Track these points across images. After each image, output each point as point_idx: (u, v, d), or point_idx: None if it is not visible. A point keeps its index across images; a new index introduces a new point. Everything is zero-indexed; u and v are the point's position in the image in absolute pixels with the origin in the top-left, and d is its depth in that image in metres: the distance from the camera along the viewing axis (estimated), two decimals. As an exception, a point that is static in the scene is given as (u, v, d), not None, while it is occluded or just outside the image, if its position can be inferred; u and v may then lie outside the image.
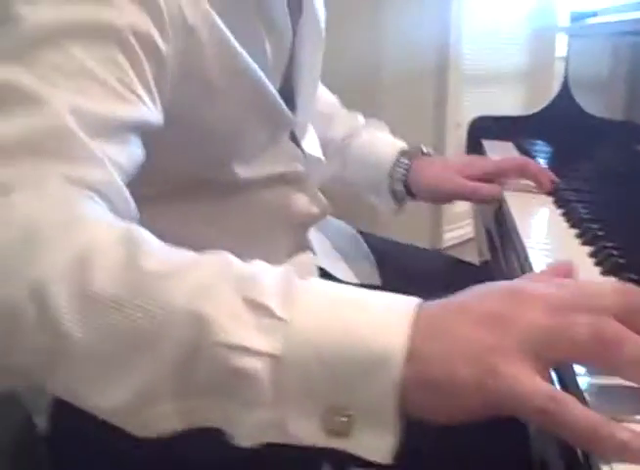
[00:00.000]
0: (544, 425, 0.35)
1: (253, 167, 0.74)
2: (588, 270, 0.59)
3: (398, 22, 1.78)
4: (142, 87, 0.54)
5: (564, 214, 0.77)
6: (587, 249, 0.64)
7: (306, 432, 0.38)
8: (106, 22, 0.52)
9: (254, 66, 0.68)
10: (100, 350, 0.40)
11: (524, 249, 0.66)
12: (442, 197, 0.94)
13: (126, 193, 0.51)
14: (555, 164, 1.19)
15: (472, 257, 1.12)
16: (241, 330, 0.38)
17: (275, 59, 0.73)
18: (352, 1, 1.55)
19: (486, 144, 1.32)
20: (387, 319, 0.38)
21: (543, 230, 0.76)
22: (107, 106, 0.51)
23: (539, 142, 1.30)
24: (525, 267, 0.64)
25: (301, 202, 0.83)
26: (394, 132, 1.77)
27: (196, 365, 0.39)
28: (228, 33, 0.64)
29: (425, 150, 0.95)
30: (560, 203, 0.81)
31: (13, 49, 0.50)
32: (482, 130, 1.38)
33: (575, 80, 1.36)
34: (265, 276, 0.40)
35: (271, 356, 0.38)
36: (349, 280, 0.90)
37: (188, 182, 0.69)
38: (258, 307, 0.39)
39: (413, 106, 1.88)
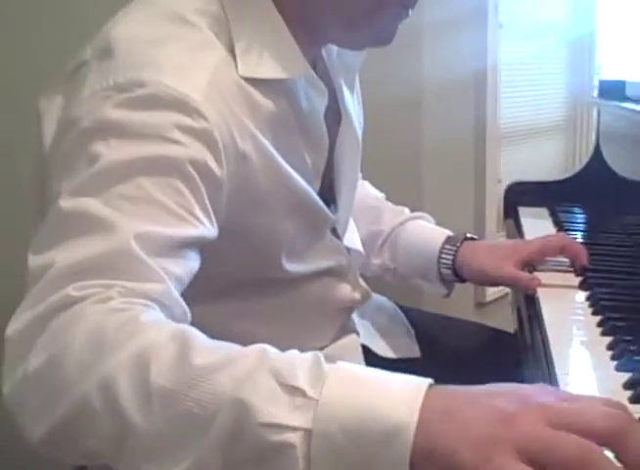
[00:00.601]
0: None
1: (301, 264, 0.81)
2: (606, 366, 0.64)
3: (437, 87, 1.86)
4: (200, 209, 0.62)
5: (588, 299, 0.82)
6: (606, 339, 0.70)
7: None
8: (168, 156, 0.61)
9: (297, 177, 0.76)
10: (159, 434, 0.47)
11: (546, 335, 0.72)
12: (486, 281, 0.99)
13: (181, 301, 0.59)
14: (588, 231, 1.24)
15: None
16: (278, 411, 0.45)
17: (314, 166, 0.81)
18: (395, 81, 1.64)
19: (522, 211, 1.38)
20: (400, 398, 0.45)
21: (567, 318, 0.80)
22: (168, 228, 0.59)
23: (573, 208, 1.34)
24: (547, 351, 0.69)
25: (345, 291, 0.90)
26: (437, 193, 1.85)
27: (240, 444, 0.45)
28: (272, 151, 0.72)
29: (469, 235, 1.00)
30: (586, 286, 0.86)
31: (88, 183, 0.59)
32: (518, 195, 1.44)
33: (608, 143, 1.41)
34: (298, 362, 0.47)
35: (304, 430, 0.44)
36: (387, 355, 0.97)
37: (238, 282, 0.77)
38: (292, 391, 0.45)
39: (453, 166, 1.95)
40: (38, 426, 0.50)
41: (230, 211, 0.68)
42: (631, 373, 0.61)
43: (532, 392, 0.46)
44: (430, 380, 0.46)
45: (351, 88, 0.93)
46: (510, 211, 1.40)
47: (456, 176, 1.94)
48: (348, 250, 0.90)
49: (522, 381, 0.49)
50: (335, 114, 0.85)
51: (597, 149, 1.40)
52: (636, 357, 0.64)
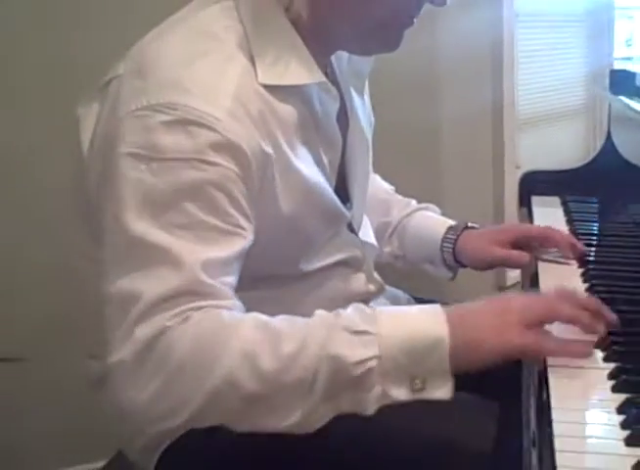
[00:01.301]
0: (533, 357, 0.69)
1: (317, 258, 0.88)
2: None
3: (453, 74, 1.90)
4: (244, 219, 0.73)
5: (588, 290, 0.88)
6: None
7: (400, 394, 0.66)
8: (208, 179, 0.70)
9: (316, 175, 0.83)
10: (277, 398, 0.65)
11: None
12: (482, 265, 1.06)
13: (240, 303, 0.71)
14: (597, 221, 1.28)
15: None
16: (356, 350, 0.65)
17: (330, 164, 0.87)
18: (411, 72, 1.68)
19: (534, 200, 1.42)
20: (429, 319, 0.67)
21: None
22: (222, 250, 0.70)
23: (585, 197, 1.37)
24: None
25: (360, 282, 0.96)
26: (456, 178, 1.89)
27: (337, 383, 0.65)
28: (292, 150, 0.79)
29: (469, 224, 1.07)
30: (586, 277, 0.91)
31: (144, 212, 0.68)
32: (533, 184, 1.47)
33: (620, 131, 1.43)
34: (352, 314, 0.68)
35: (376, 357, 0.65)
36: None
37: (260, 275, 0.82)
38: (359, 333, 0.66)
39: (472, 152, 1.99)
40: (183, 414, 0.65)
41: (258, 211, 0.75)
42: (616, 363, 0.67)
43: (514, 295, 0.74)
44: (437, 305, 0.69)
45: (360, 93, 0.99)
46: (524, 200, 1.45)
47: (474, 163, 1.98)
48: (363, 243, 0.97)
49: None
50: (344, 116, 0.91)
51: (608, 137, 1.43)
52: (618, 348, 0.70)
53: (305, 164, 0.81)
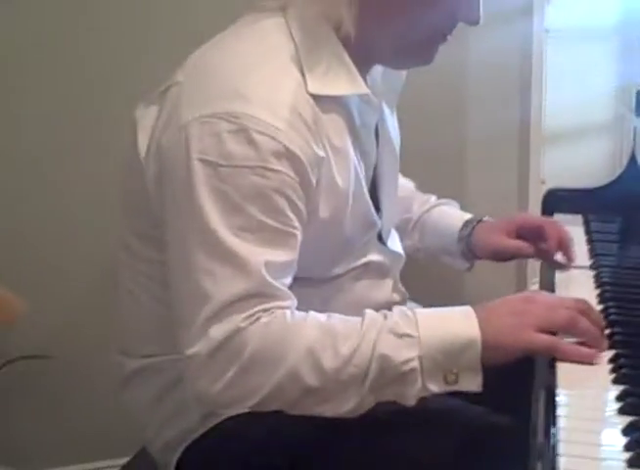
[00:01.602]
0: (551, 355, 0.76)
1: (347, 263, 0.94)
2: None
3: (480, 85, 1.92)
4: (298, 220, 0.81)
5: (603, 311, 0.89)
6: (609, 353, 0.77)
7: (436, 387, 0.77)
8: (268, 185, 0.77)
9: (354, 184, 0.89)
10: (332, 391, 0.76)
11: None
12: (492, 254, 1.13)
13: (295, 300, 0.81)
14: (619, 241, 1.29)
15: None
16: (402, 351, 0.76)
17: (365, 174, 0.93)
18: (435, 78, 1.70)
19: (557, 217, 1.43)
20: (463, 321, 0.77)
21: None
22: (282, 253, 0.78)
23: (607, 217, 1.38)
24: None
25: (385, 290, 1.01)
26: (481, 192, 1.91)
27: (385, 378, 0.76)
28: (332, 159, 0.86)
29: (485, 218, 1.16)
30: (602, 298, 0.93)
31: (215, 215, 0.76)
32: (556, 202, 1.49)
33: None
34: (397, 318, 0.78)
35: (418, 357, 0.75)
36: None
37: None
38: (403, 336, 0.76)
39: (497, 166, 2.00)
40: (250, 400, 0.76)
41: (309, 211, 0.83)
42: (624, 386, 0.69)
43: (534, 294, 0.86)
44: (469, 307, 0.79)
45: (392, 108, 1.03)
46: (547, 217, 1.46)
47: (500, 177, 1.99)
48: (391, 252, 1.02)
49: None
50: (375, 130, 0.96)
51: (632, 158, 1.44)
52: (627, 371, 0.72)
53: (345, 171, 0.87)
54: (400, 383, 0.76)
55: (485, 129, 1.94)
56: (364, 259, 0.96)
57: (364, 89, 0.88)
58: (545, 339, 0.77)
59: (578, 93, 2.23)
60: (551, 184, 2.07)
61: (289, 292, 0.80)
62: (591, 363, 0.75)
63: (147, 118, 0.86)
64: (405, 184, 1.23)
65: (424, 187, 1.71)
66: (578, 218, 1.40)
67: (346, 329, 0.77)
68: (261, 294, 0.76)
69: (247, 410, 0.78)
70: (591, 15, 2.24)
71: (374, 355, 0.75)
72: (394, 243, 1.05)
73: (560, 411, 0.66)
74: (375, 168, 0.97)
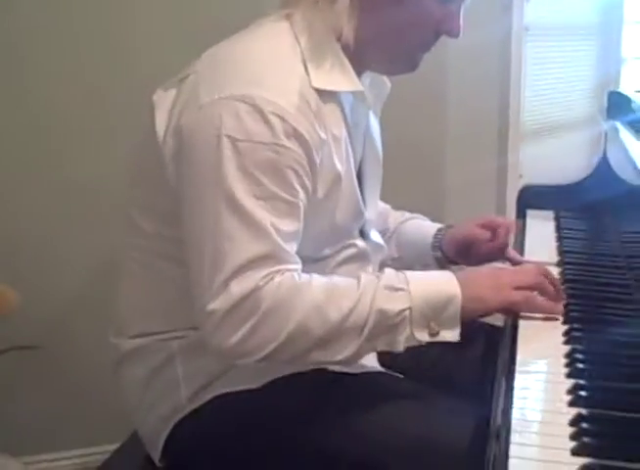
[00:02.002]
0: (524, 307, 0.92)
1: (334, 247, 1.03)
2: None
3: (460, 82, 1.97)
4: (304, 193, 0.90)
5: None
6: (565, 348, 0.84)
7: (421, 336, 0.88)
8: (280, 160, 0.86)
9: (346, 171, 0.97)
10: (336, 340, 0.86)
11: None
12: (461, 248, 1.21)
13: (301, 264, 0.90)
14: (587, 238, 1.35)
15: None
16: (396, 303, 0.87)
17: (355, 166, 1.02)
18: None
19: (530, 213, 1.49)
20: (446, 281, 0.90)
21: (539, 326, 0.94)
22: (292, 221, 0.88)
23: (577, 213, 1.44)
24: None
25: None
26: (460, 186, 1.97)
27: (380, 328, 0.87)
28: (332, 145, 0.94)
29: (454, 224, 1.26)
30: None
31: (237, 185, 0.85)
32: (530, 198, 1.55)
33: (616, 150, 1.50)
34: (389, 275, 0.90)
35: (408, 308, 0.87)
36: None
37: None
38: (397, 290, 0.88)
39: (476, 162, 2.06)
40: (265, 350, 0.85)
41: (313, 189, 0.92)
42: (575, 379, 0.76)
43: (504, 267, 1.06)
44: (449, 272, 0.94)
45: (377, 114, 1.13)
46: (521, 213, 1.52)
47: (479, 171, 2.05)
48: (373, 243, 1.10)
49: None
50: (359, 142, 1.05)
51: (604, 156, 1.50)
52: (580, 365, 0.79)
53: (340, 158, 0.96)
54: (392, 332, 0.87)
55: (465, 125, 2.00)
56: (349, 243, 1.04)
57: (360, 87, 0.98)
58: (523, 293, 0.92)
59: (558, 90, 2.29)
60: (529, 179, 2.15)
61: (296, 256, 0.89)
62: (555, 319, 0.92)
63: (165, 102, 0.94)
64: (381, 204, 1.32)
65: (406, 182, 1.78)
66: (550, 215, 1.46)
67: (347, 287, 0.88)
68: (275, 256, 0.86)
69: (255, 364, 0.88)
70: (570, 13, 2.30)
71: (372, 308, 0.86)
72: (376, 236, 1.14)
73: (515, 403, 0.72)
74: (360, 166, 1.06)
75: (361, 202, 1.03)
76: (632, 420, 0.69)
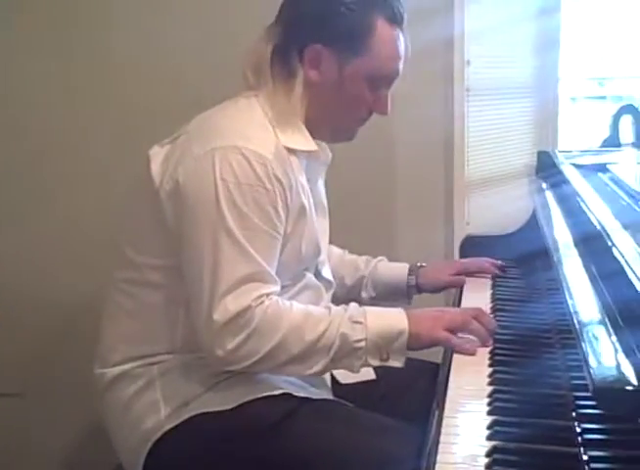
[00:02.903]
0: (451, 347, 1.10)
1: (298, 278, 1.22)
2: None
3: (409, 140, 2.13)
4: (281, 226, 1.10)
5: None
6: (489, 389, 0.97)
7: (373, 362, 1.09)
8: (267, 200, 1.07)
9: (308, 210, 1.17)
10: (309, 357, 1.06)
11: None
12: (439, 288, 1.51)
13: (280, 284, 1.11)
14: (517, 286, 1.49)
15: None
16: (355, 333, 1.07)
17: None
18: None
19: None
20: (397, 318, 1.10)
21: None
22: (271, 248, 1.09)
23: (511, 261, 1.59)
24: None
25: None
26: (410, 234, 2.11)
27: (342, 351, 1.07)
28: (296, 187, 1.14)
29: (420, 264, 1.51)
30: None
31: (229, 223, 1.05)
32: (470, 247, 1.70)
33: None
34: (352, 308, 1.11)
35: (365, 339, 1.07)
36: (347, 381, 1.27)
37: None
38: (357, 323, 1.08)
39: (425, 209, 2.22)
40: (251, 359, 1.04)
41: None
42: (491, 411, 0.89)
43: (445, 309, 1.22)
44: (402, 309, 1.13)
45: (322, 179, 1.33)
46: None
47: (428, 220, 2.21)
48: (324, 279, 1.30)
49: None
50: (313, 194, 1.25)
51: (534, 212, 1.65)
52: (499, 404, 0.91)
53: (304, 195, 1.16)
54: (352, 356, 1.08)
55: (414, 178, 2.15)
56: (306, 279, 1.23)
57: (315, 147, 1.21)
58: (445, 334, 1.11)
59: (497, 145, 2.47)
60: (475, 226, 2.31)
61: (276, 277, 1.09)
62: (472, 354, 1.09)
63: (159, 155, 1.14)
64: (340, 251, 1.52)
65: (360, 230, 1.91)
66: (488, 262, 1.60)
67: (320, 315, 1.09)
68: (260, 276, 1.06)
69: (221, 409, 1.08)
70: (508, 74, 2.49)
71: (338, 333, 1.07)
72: (327, 272, 1.33)
73: (443, 430, 0.86)
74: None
75: (319, 239, 1.22)
76: (540, 452, 0.82)
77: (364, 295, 1.48)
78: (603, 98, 3.68)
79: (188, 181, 1.07)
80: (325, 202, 1.33)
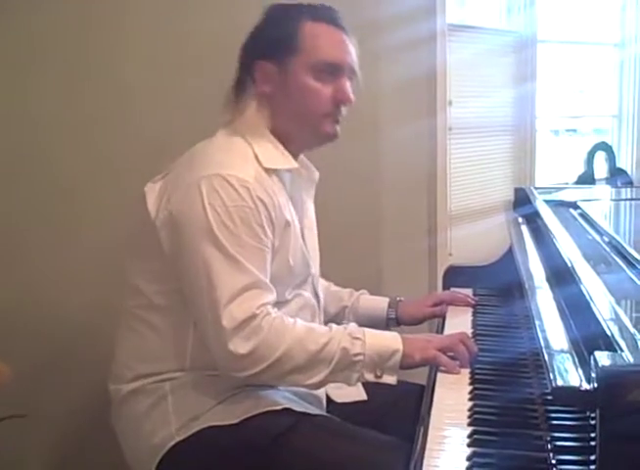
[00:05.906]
0: (440, 365, 1.22)
1: (294, 292, 1.31)
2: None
3: (394, 176, 2.25)
4: (270, 241, 1.20)
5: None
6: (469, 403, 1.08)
7: (369, 377, 1.19)
8: (253, 219, 1.18)
9: (295, 227, 1.28)
10: (311, 367, 1.16)
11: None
12: (419, 321, 1.61)
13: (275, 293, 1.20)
14: (496, 313, 1.60)
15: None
16: (355, 348, 1.18)
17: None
18: (353, 165, 2.02)
19: (452, 290, 1.74)
20: (393, 339, 1.22)
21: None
22: (262, 261, 1.18)
23: (491, 290, 1.70)
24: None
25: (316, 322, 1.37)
26: (397, 261, 2.21)
27: (342, 364, 1.17)
28: (281, 205, 1.24)
29: (399, 298, 1.60)
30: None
31: (222, 241, 1.15)
32: (453, 277, 1.81)
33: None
34: (352, 327, 1.22)
35: (363, 354, 1.18)
36: (341, 399, 1.37)
37: None
38: (357, 338, 1.19)
39: (409, 242, 2.33)
40: (257, 367, 1.13)
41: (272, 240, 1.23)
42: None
43: (435, 335, 1.37)
44: (396, 333, 1.25)
45: (310, 196, 1.43)
46: (446, 289, 1.78)
47: (412, 252, 2.32)
48: (320, 297, 1.40)
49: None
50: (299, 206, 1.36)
51: (511, 247, 1.76)
52: (478, 416, 1.03)
53: (287, 211, 1.26)
54: (350, 369, 1.18)
55: (398, 211, 2.27)
56: (303, 294, 1.33)
57: (295, 165, 1.31)
58: (434, 352, 1.23)
59: (478, 181, 2.60)
60: (457, 257, 2.43)
61: (271, 285, 1.19)
62: (457, 373, 1.21)
63: (154, 191, 1.25)
64: (325, 283, 1.60)
65: (346, 262, 2.01)
66: (469, 292, 1.72)
67: (321, 329, 1.21)
68: (258, 285, 1.15)
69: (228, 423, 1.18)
70: (488, 113, 2.64)
71: (339, 347, 1.17)
72: (321, 292, 1.43)
73: (429, 438, 0.97)
74: (301, 231, 1.35)
75: (306, 252, 1.32)
76: (514, 456, 0.93)
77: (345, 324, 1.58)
78: (576, 132, 3.84)
79: (180, 210, 1.18)
80: (313, 219, 1.43)
